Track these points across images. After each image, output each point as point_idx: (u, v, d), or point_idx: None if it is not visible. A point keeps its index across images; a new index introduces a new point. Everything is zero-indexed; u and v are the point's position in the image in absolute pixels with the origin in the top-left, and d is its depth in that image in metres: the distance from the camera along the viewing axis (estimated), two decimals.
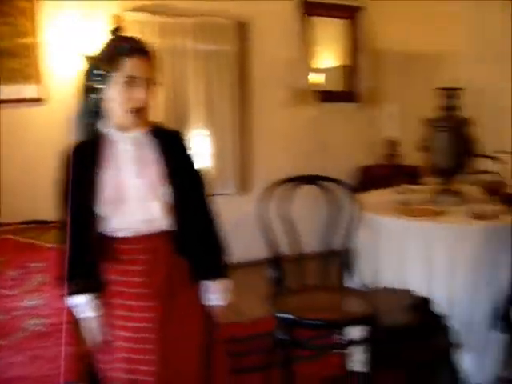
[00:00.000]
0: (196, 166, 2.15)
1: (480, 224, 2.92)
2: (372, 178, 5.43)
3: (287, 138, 5.57)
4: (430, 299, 3.01)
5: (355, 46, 5.86)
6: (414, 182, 4.77)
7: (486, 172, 4.11)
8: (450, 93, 3.33)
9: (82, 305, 1.96)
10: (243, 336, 3.85)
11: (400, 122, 5.15)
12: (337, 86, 5.96)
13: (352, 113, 5.86)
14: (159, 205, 1.96)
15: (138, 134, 1.99)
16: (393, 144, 5.48)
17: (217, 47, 5.16)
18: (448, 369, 3.15)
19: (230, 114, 5.26)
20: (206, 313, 2.14)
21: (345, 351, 3.34)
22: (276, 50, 5.49)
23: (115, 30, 1.97)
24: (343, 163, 5.65)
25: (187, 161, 2.11)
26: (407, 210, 3.16)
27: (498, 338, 2.93)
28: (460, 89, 3.36)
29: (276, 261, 3.05)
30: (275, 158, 5.41)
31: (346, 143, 5.74)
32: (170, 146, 2.04)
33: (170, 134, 2.10)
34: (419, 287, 2.97)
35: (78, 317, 2.02)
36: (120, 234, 1.95)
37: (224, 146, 5.28)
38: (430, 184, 3.58)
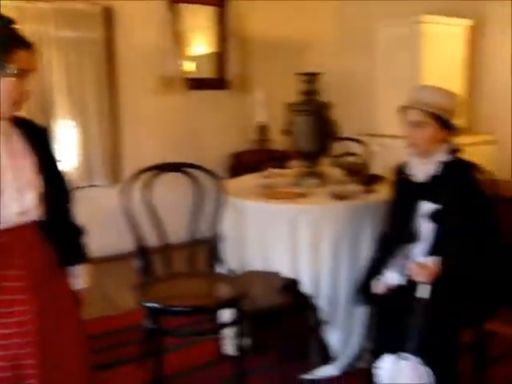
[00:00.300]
0: (57, 159, 2.13)
1: (341, 204, 3.03)
2: (243, 163, 5.48)
3: (158, 127, 5.50)
4: (297, 280, 3.08)
5: (224, 33, 5.85)
6: (282, 165, 4.88)
7: (348, 154, 4.26)
8: (310, 78, 3.41)
9: None
10: (118, 328, 3.79)
11: (269, 108, 5.21)
12: (207, 73, 5.93)
13: (223, 100, 5.88)
14: (33, 195, 1.94)
15: (3, 123, 1.90)
16: (263, 129, 5.53)
17: (81, 34, 4.96)
18: (318, 346, 3.26)
19: (96, 104, 5.09)
20: (76, 298, 2.17)
21: (219, 336, 3.37)
22: (144, 37, 5.38)
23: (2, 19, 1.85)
24: (215, 150, 5.67)
25: (50, 152, 2.09)
26: (271, 194, 3.21)
27: (361, 312, 3.05)
28: (319, 74, 3.44)
29: (142, 251, 3.01)
30: (146, 148, 5.32)
31: (217, 130, 5.75)
32: (34, 137, 2.02)
33: (31, 125, 2.06)
34: (286, 269, 3.03)
35: None
36: None
37: (92, 136, 5.12)
38: (296, 167, 3.65)
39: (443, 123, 2.40)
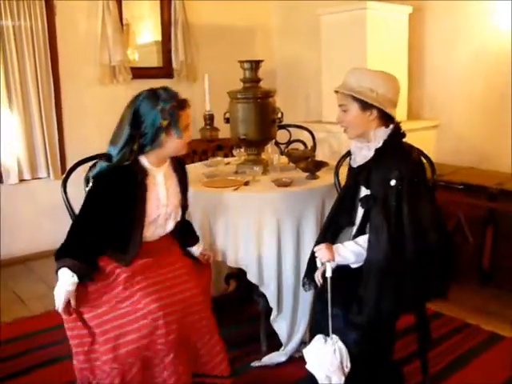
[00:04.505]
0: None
1: (284, 191, 3.02)
2: (190, 152, 5.43)
3: (102, 117, 5.36)
4: (243, 269, 3.07)
5: (169, 21, 5.76)
6: (227, 154, 4.87)
7: (293, 141, 4.28)
8: (252, 65, 3.38)
9: None
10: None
11: (215, 96, 5.18)
12: (151, 62, 5.85)
13: None
14: (173, 224, 2.65)
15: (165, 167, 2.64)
16: (209, 118, 5.50)
17: (22, 23, 4.81)
18: (266, 333, 3.26)
19: (38, 94, 4.95)
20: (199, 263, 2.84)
21: None
22: (87, 26, 5.28)
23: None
24: None
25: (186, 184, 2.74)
26: (213, 182, 3.20)
27: (306, 299, 3.06)
28: (261, 61, 3.42)
29: None
30: (89, 139, 5.22)
31: None
32: (182, 174, 2.70)
33: (180, 162, 2.73)
34: (231, 257, 3.02)
35: None
36: None
37: (34, 127, 4.99)
38: (240, 155, 3.64)
39: (366, 105, 2.35)
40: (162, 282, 2.44)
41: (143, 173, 2.48)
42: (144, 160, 2.49)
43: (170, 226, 2.63)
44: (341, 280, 2.34)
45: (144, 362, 2.32)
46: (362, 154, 2.45)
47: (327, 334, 2.24)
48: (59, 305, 2.29)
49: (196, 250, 2.84)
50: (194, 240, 2.86)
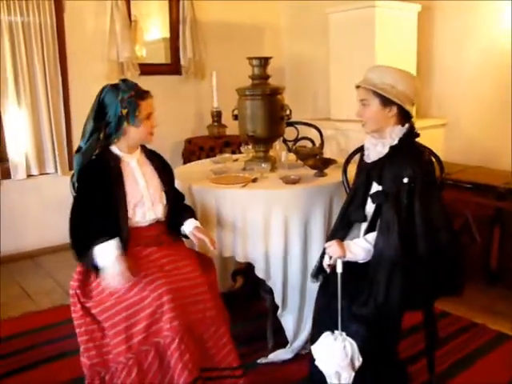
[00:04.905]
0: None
1: (291, 188, 3.02)
2: (197, 149, 5.44)
3: None
4: (251, 264, 3.07)
5: (177, 18, 5.76)
6: (234, 151, 4.87)
7: (301, 138, 4.28)
8: (261, 62, 3.38)
9: None
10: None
11: (223, 93, 5.19)
12: (159, 58, 5.87)
13: (176, 85, 5.81)
14: (161, 207, 2.73)
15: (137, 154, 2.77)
16: (217, 115, 5.51)
17: (30, 19, 4.82)
18: (272, 329, 3.26)
19: (46, 90, 4.96)
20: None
21: None
22: (95, 22, 5.29)
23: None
24: (169, 136, 5.56)
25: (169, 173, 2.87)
26: (221, 179, 3.20)
27: (313, 295, 3.05)
28: (270, 58, 3.42)
29: None
30: None
31: (171, 115, 5.61)
32: (160, 163, 2.82)
33: (157, 154, 2.86)
34: (239, 253, 3.02)
35: None
36: None
37: (42, 123, 5.01)
38: (248, 152, 3.64)
39: (386, 101, 2.40)
40: (166, 270, 2.51)
41: (116, 159, 2.63)
42: (115, 148, 2.65)
43: (160, 209, 2.70)
44: (346, 273, 2.34)
45: (157, 349, 2.34)
46: (377, 150, 2.49)
47: (330, 328, 2.24)
48: (120, 273, 2.36)
49: (187, 227, 2.77)
50: (185, 216, 2.82)
